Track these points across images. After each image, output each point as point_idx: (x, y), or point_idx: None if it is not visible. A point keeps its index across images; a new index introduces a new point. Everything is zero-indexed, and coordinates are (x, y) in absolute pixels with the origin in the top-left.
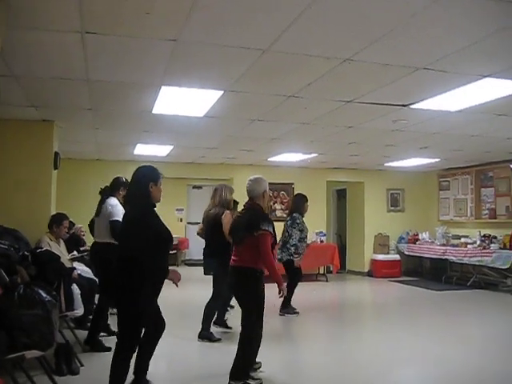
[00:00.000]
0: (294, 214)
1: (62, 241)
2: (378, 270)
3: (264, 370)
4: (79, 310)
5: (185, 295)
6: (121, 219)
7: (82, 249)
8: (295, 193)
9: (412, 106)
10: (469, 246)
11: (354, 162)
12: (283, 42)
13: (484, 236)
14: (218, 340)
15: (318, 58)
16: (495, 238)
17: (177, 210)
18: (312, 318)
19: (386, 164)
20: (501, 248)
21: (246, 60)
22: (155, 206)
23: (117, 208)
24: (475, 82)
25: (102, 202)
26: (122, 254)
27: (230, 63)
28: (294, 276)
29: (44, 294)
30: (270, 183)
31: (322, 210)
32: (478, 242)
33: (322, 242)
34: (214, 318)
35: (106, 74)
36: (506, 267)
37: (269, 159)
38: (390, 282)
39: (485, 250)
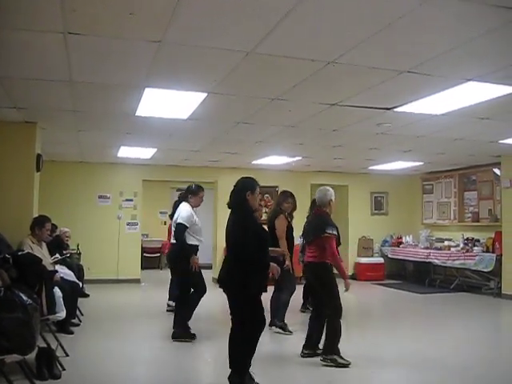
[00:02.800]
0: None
1: (44, 243)
2: (361, 273)
3: None
4: (61, 314)
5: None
6: (186, 223)
7: (64, 252)
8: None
9: (396, 110)
10: (452, 249)
11: (338, 165)
12: (267, 44)
13: (467, 239)
14: (290, 333)
15: (302, 60)
16: (478, 241)
17: (160, 212)
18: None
19: (370, 167)
20: (483, 251)
21: (229, 62)
22: (253, 212)
23: (184, 212)
24: (459, 86)
25: (175, 207)
26: (228, 253)
27: (213, 65)
28: None
29: (25, 298)
30: None
31: (306, 213)
32: (461, 245)
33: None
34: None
35: (88, 76)
36: (488, 270)
37: (253, 162)
38: (374, 285)
39: (468, 253)
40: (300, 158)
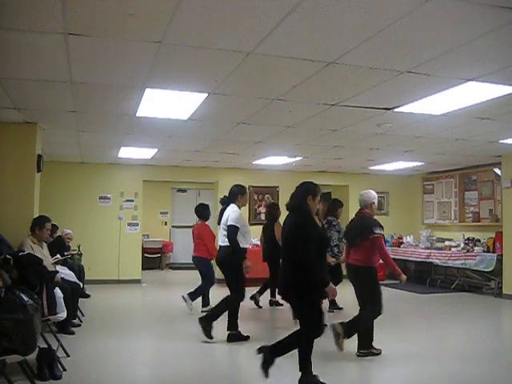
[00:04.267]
0: (329, 218)
1: (44, 244)
2: None
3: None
4: (62, 314)
5: (171, 299)
6: (237, 224)
7: (66, 253)
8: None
9: (396, 110)
10: (453, 249)
11: (338, 166)
12: (268, 44)
13: (468, 239)
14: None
15: (302, 61)
16: (479, 241)
17: (161, 213)
18: None
19: (371, 167)
20: (484, 251)
21: (230, 62)
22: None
23: (234, 214)
24: (458, 86)
25: (223, 211)
26: (287, 257)
27: (214, 66)
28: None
29: (26, 298)
30: (254, 187)
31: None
32: (462, 245)
33: None
34: None
35: (89, 76)
36: (489, 270)
37: (253, 162)
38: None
39: (468, 253)
40: (300, 158)
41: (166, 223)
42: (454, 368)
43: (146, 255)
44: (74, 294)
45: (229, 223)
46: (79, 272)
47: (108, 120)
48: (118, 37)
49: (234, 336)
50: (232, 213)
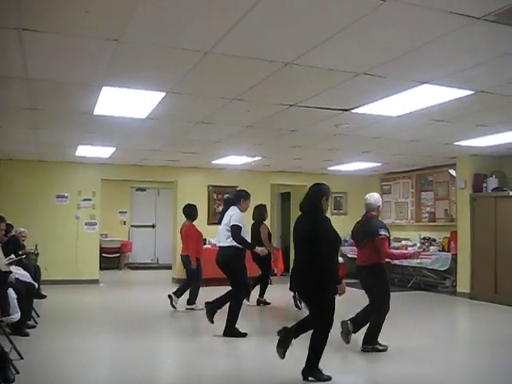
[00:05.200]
0: None
1: None
2: None
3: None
4: (15, 316)
5: (129, 299)
6: (241, 224)
7: (20, 252)
8: None
9: (353, 111)
10: (409, 248)
11: (297, 166)
12: (225, 44)
13: (424, 238)
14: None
15: (260, 61)
16: (434, 240)
17: (120, 212)
18: (256, 317)
19: (330, 168)
20: (440, 250)
21: (188, 61)
22: None
23: (236, 215)
24: (414, 88)
25: (224, 211)
26: (304, 255)
27: (172, 64)
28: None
29: None
30: (213, 186)
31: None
32: (418, 245)
33: None
34: None
35: (45, 73)
36: (444, 269)
37: (213, 162)
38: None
39: (424, 253)
40: (260, 158)
41: (124, 222)
42: (411, 368)
43: (104, 255)
44: (29, 294)
45: (232, 223)
46: (35, 272)
47: (65, 118)
48: (74, 34)
49: (233, 332)
50: (234, 214)
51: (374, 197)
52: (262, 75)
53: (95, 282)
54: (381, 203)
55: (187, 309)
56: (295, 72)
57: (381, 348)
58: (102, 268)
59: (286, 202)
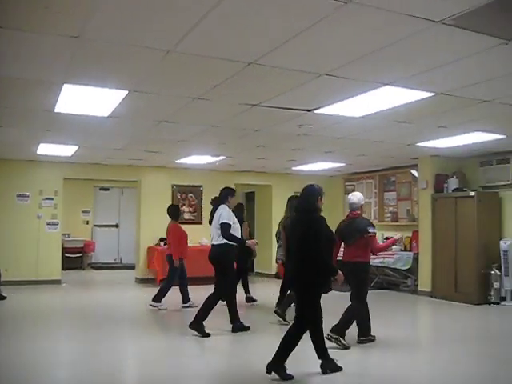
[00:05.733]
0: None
1: None
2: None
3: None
4: None
5: (91, 299)
6: (230, 221)
7: None
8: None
9: (316, 111)
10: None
11: (262, 166)
12: (188, 43)
13: (386, 238)
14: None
15: (222, 60)
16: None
17: (83, 212)
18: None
19: (294, 168)
20: (402, 250)
21: (150, 60)
22: None
23: (225, 212)
24: (376, 90)
25: (213, 211)
26: (296, 253)
27: (133, 63)
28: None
29: None
30: (177, 185)
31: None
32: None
33: None
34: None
35: (4, 70)
36: (406, 268)
37: (177, 161)
38: None
39: (387, 252)
40: (224, 157)
41: (87, 222)
42: (374, 365)
43: (66, 255)
44: None
45: (221, 221)
46: None
47: (26, 115)
48: (34, 30)
49: (238, 327)
50: (223, 212)
51: (357, 196)
52: (225, 75)
53: (57, 282)
54: (363, 202)
55: (184, 307)
56: (258, 72)
57: (372, 338)
58: (64, 268)
59: (251, 201)
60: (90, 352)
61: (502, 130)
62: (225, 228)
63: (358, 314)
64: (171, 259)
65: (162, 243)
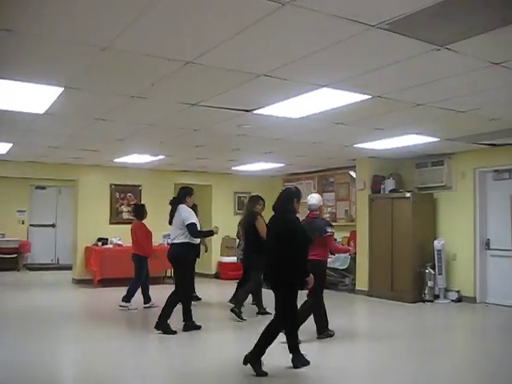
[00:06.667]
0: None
1: None
2: (224, 273)
3: None
4: None
5: (26, 300)
6: (194, 221)
7: None
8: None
9: (255, 112)
10: None
11: (202, 165)
12: (124, 40)
13: None
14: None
15: (159, 58)
16: (335, 240)
17: (18, 211)
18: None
19: (234, 168)
20: None
21: (85, 56)
22: None
23: (188, 213)
24: (313, 91)
25: (173, 211)
26: (274, 254)
27: (69, 59)
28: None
29: None
30: (116, 185)
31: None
32: None
33: (169, 244)
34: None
35: None
36: (344, 267)
37: (115, 160)
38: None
39: None
40: (163, 156)
41: (23, 222)
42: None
43: (0, 256)
44: None
45: (187, 223)
46: None
47: None
48: None
49: (191, 326)
50: (185, 212)
51: (316, 198)
52: (163, 73)
53: None
54: (321, 203)
55: (145, 307)
56: (196, 71)
57: (331, 333)
58: None
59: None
60: (23, 353)
61: (436, 133)
62: (193, 228)
63: (312, 310)
64: (137, 258)
65: (99, 243)
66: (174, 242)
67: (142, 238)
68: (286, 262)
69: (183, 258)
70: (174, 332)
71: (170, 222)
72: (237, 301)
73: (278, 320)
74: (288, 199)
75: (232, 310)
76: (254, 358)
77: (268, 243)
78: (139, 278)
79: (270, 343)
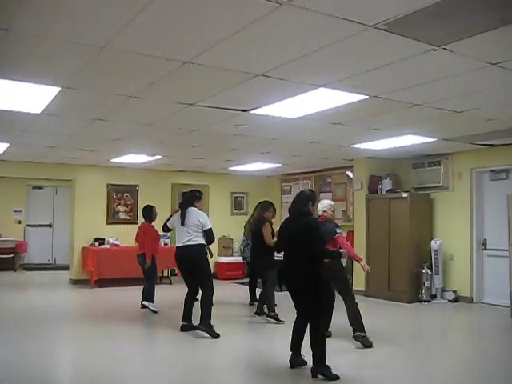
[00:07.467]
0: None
1: None
2: (221, 273)
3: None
4: None
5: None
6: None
7: None
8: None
9: (252, 112)
10: None
11: (199, 165)
12: (122, 39)
13: None
14: (283, 322)
15: (156, 58)
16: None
17: (15, 211)
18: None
19: (231, 168)
20: None
21: (83, 56)
22: None
23: (206, 217)
24: (311, 92)
25: (184, 213)
26: (295, 255)
27: (66, 58)
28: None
29: None
30: (113, 185)
31: (167, 213)
32: None
33: (166, 244)
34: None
35: None
36: None
37: (112, 160)
38: (233, 284)
39: None
40: (160, 156)
41: (20, 222)
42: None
43: None
44: None
45: (207, 227)
46: None
47: None
48: None
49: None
50: (203, 217)
51: (323, 203)
52: (160, 73)
53: None
54: (328, 208)
55: (143, 306)
56: (194, 71)
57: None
58: None
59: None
60: (21, 352)
61: (432, 133)
62: (212, 234)
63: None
64: (143, 259)
65: (96, 243)
66: (189, 243)
67: (149, 240)
68: (310, 263)
69: (204, 258)
70: (218, 335)
71: (183, 223)
72: (268, 306)
73: (317, 322)
74: (304, 202)
75: (268, 316)
76: (318, 367)
77: (286, 245)
78: (152, 277)
79: (324, 346)
